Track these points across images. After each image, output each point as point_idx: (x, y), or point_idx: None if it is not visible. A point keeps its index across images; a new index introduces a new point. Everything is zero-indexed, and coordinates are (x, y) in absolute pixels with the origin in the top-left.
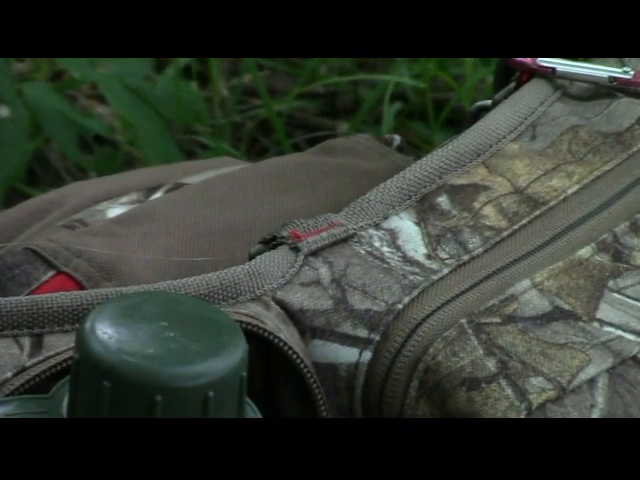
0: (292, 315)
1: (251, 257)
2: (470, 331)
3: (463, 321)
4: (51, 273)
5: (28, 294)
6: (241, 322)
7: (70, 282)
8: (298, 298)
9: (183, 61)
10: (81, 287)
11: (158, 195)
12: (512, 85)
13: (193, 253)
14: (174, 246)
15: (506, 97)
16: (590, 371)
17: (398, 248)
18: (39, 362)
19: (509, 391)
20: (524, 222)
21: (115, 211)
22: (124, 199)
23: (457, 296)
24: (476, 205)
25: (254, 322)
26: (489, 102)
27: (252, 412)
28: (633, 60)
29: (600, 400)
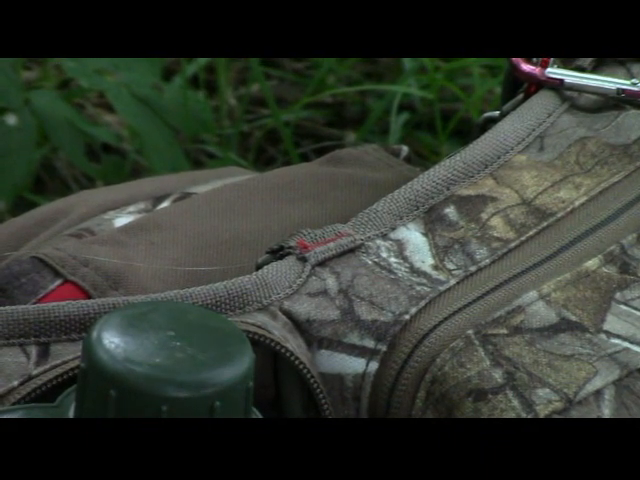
0: (299, 325)
1: (258, 267)
2: (477, 342)
3: (470, 332)
4: (58, 282)
5: (35, 303)
6: (248, 332)
7: (77, 291)
8: (305, 308)
9: (191, 70)
10: (88, 296)
11: (165, 204)
12: (520, 96)
13: (200, 263)
14: (181, 256)
15: (514, 108)
16: (597, 383)
17: (405, 259)
18: (45, 371)
19: (516, 402)
20: (531, 233)
21: (122, 220)
22: (131, 208)
23: (464, 307)
24: (483, 216)
25: (261, 332)
26: (497, 113)
27: None
28: None
29: (607, 412)
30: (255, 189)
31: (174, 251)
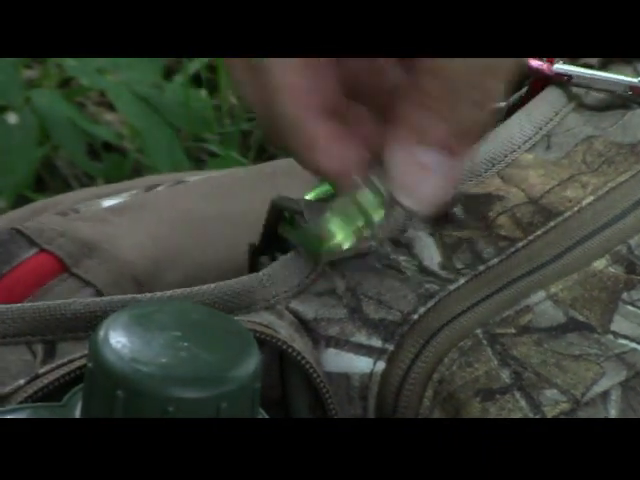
0: (306, 324)
1: (258, 261)
2: (485, 342)
3: (478, 331)
4: (33, 251)
5: (9, 271)
6: (255, 331)
7: (52, 260)
8: (312, 307)
9: (192, 69)
10: (62, 264)
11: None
12: (524, 89)
13: (181, 239)
14: (163, 232)
15: (519, 101)
16: (604, 384)
17: (414, 258)
18: (52, 369)
19: (523, 403)
20: (539, 233)
21: (111, 202)
22: (124, 194)
23: (472, 306)
24: (491, 215)
25: (268, 331)
26: (503, 104)
27: None
28: None
29: (613, 413)
30: (247, 175)
31: (157, 229)
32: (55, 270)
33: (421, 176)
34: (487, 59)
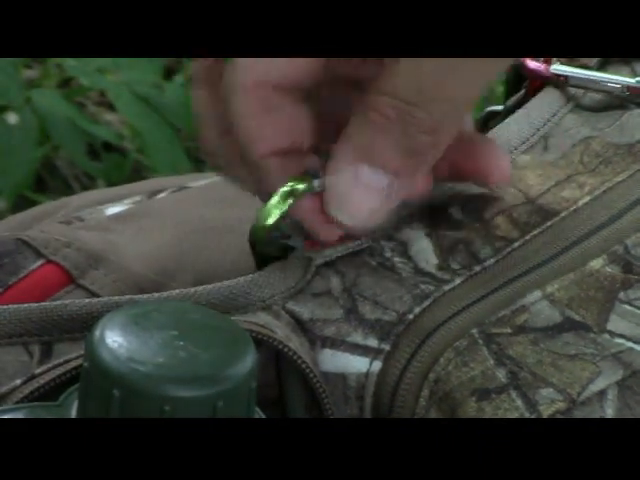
0: (302, 324)
1: (259, 261)
2: (481, 341)
3: (474, 331)
4: (40, 262)
5: (16, 282)
6: (251, 331)
7: (59, 271)
8: (309, 308)
9: (192, 69)
10: (69, 276)
11: (161, 196)
12: (522, 92)
13: (185, 248)
14: (167, 240)
15: (517, 104)
16: (600, 383)
17: (410, 259)
18: (48, 370)
19: (519, 402)
20: (535, 232)
21: (115, 209)
22: (127, 200)
23: (468, 306)
24: (487, 215)
25: (264, 331)
26: (500, 107)
27: None
28: None
29: (609, 412)
30: None
31: (161, 236)
32: (62, 282)
33: (361, 195)
34: (446, 85)
